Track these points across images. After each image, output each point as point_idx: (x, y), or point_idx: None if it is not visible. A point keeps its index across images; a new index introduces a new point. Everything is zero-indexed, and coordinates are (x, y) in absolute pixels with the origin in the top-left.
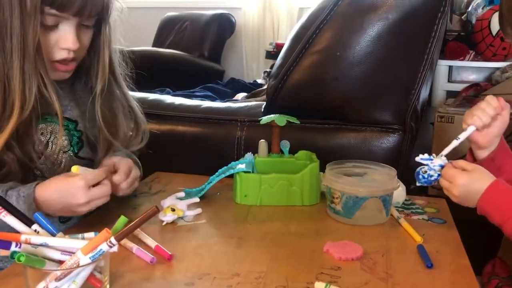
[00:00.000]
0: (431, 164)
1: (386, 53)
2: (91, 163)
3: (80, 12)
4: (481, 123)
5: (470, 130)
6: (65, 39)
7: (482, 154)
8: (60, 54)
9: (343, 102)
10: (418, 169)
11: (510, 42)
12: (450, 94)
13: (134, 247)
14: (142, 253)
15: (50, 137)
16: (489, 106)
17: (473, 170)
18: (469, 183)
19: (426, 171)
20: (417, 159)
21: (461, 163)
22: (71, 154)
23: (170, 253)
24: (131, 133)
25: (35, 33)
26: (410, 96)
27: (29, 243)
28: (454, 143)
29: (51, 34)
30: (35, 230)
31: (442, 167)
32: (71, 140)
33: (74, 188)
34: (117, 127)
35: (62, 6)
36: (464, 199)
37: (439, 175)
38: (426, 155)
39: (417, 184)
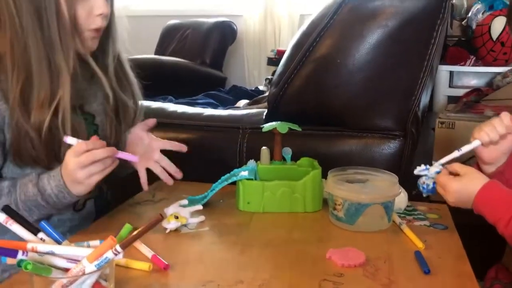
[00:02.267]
0: (428, 174)
1: (386, 60)
2: None
3: None
4: (488, 139)
5: (474, 144)
6: (97, 4)
7: (488, 169)
8: (95, 22)
9: (344, 109)
10: (418, 181)
11: None
12: (452, 99)
13: (151, 253)
14: (157, 259)
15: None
16: (500, 124)
17: (465, 173)
18: (461, 188)
19: (424, 182)
20: (415, 172)
21: (455, 166)
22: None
23: (166, 263)
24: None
25: (71, 3)
26: (410, 102)
27: (36, 251)
28: (455, 154)
29: (83, 3)
30: (41, 238)
31: (439, 173)
32: (89, 132)
33: (66, 156)
34: (128, 103)
35: None
36: (459, 204)
37: (435, 183)
38: (422, 166)
39: (423, 195)
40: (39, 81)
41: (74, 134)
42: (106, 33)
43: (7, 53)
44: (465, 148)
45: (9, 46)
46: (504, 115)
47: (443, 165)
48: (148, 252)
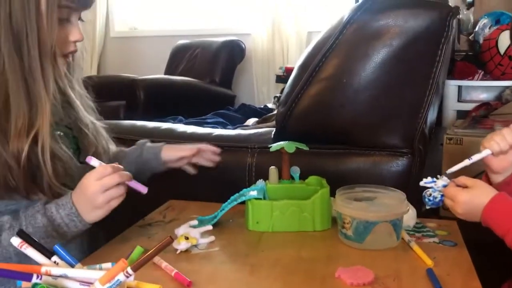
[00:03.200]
0: (435, 186)
1: (391, 79)
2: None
3: (88, 3)
4: (498, 148)
5: (484, 153)
6: (74, 32)
7: (496, 178)
8: (70, 47)
9: (351, 128)
10: (424, 193)
11: None
12: (460, 113)
13: (174, 271)
14: (180, 276)
15: (58, 144)
16: (510, 133)
17: (474, 186)
18: (470, 199)
19: (431, 194)
20: (421, 183)
21: (463, 179)
22: (74, 160)
23: (189, 280)
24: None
25: (54, 28)
26: (417, 120)
27: (50, 275)
28: (466, 162)
29: (62, 28)
30: (55, 262)
31: (445, 187)
32: (72, 146)
33: (86, 179)
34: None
35: None
36: (468, 216)
37: (442, 195)
38: (429, 178)
39: (426, 207)
40: (16, 110)
41: (58, 160)
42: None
43: None
44: (476, 157)
45: None
46: None
47: (452, 174)
48: (170, 270)
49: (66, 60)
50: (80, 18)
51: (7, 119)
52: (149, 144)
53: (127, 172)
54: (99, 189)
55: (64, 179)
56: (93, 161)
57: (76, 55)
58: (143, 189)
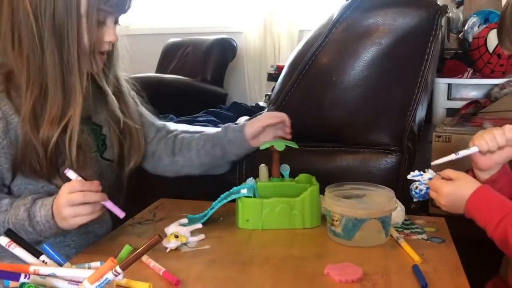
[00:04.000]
0: (421, 179)
1: (380, 77)
2: (113, 164)
3: (125, 9)
4: (486, 148)
5: (472, 150)
6: (109, 33)
7: (482, 175)
8: (104, 47)
9: (341, 126)
10: (410, 186)
11: (507, 54)
12: (450, 111)
13: (162, 269)
14: (168, 275)
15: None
16: (502, 135)
17: (458, 178)
18: (454, 191)
19: (417, 187)
20: (409, 176)
21: (447, 172)
22: (98, 155)
23: (177, 278)
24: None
25: (93, 29)
26: (406, 117)
27: (38, 274)
28: (452, 157)
29: (99, 29)
30: (43, 261)
31: (431, 179)
32: (98, 143)
33: (61, 188)
34: (135, 119)
35: (115, 4)
36: (452, 207)
37: (428, 188)
38: (416, 172)
39: (414, 200)
40: (52, 99)
41: (81, 150)
42: (108, 56)
43: (22, 70)
44: (463, 153)
45: (25, 63)
46: (509, 128)
47: (438, 166)
48: (158, 269)
49: (102, 57)
50: (116, 21)
51: (42, 108)
52: (233, 125)
53: (100, 194)
54: (65, 202)
55: (83, 171)
56: (69, 173)
57: (117, 54)
58: (120, 214)
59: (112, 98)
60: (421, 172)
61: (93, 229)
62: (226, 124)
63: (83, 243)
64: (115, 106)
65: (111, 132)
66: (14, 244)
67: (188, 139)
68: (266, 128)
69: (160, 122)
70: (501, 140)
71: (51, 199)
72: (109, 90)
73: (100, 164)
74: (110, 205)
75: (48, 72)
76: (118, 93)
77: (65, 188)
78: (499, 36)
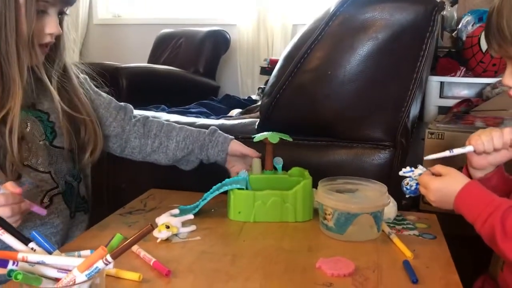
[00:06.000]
0: (412, 175)
1: (376, 72)
2: (64, 151)
3: (69, 0)
4: (482, 148)
5: (467, 149)
6: (51, 25)
7: (475, 173)
8: (46, 38)
9: (335, 120)
10: (402, 182)
11: (494, 56)
12: (442, 109)
13: (152, 259)
14: (159, 265)
15: (27, 127)
16: (499, 138)
17: (447, 173)
18: (442, 187)
19: (408, 183)
20: (400, 173)
21: (437, 168)
22: (47, 143)
23: (168, 269)
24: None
25: (32, 19)
26: (400, 113)
27: (26, 261)
28: (446, 153)
29: (39, 20)
30: (32, 248)
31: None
32: (45, 130)
33: None
34: (83, 110)
35: None
36: (441, 203)
37: (418, 184)
38: (408, 168)
39: (406, 196)
40: None
41: (25, 141)
42: (54, 48)
43: None
44: (457, 151)
45: None
46: (508, 131)
47: (431, 162)
48: (148, 259)
49: (44, 50)
50: (63, 12)
51: None
52: (220, 132)
53: (24, 203)
54: None
55: (28, 161)
56: None
57: (64, 46)
58: (43, 212)
59: (53, 92)
60: (413, 168)
61: (50, 219)
62: (213, 128)
63: (42, 234)
64: (57, 99)
65: (59, 120)
66: (2, 231)
67: (167, 126)
68: (245, 157)
69: (120, 104)
70: (498, 142)
71: None
72: (49, 84)
73: (50, 151)
74: (35, 208)
75: None
76: (66, 83)
77: None
78: (486, 39)
